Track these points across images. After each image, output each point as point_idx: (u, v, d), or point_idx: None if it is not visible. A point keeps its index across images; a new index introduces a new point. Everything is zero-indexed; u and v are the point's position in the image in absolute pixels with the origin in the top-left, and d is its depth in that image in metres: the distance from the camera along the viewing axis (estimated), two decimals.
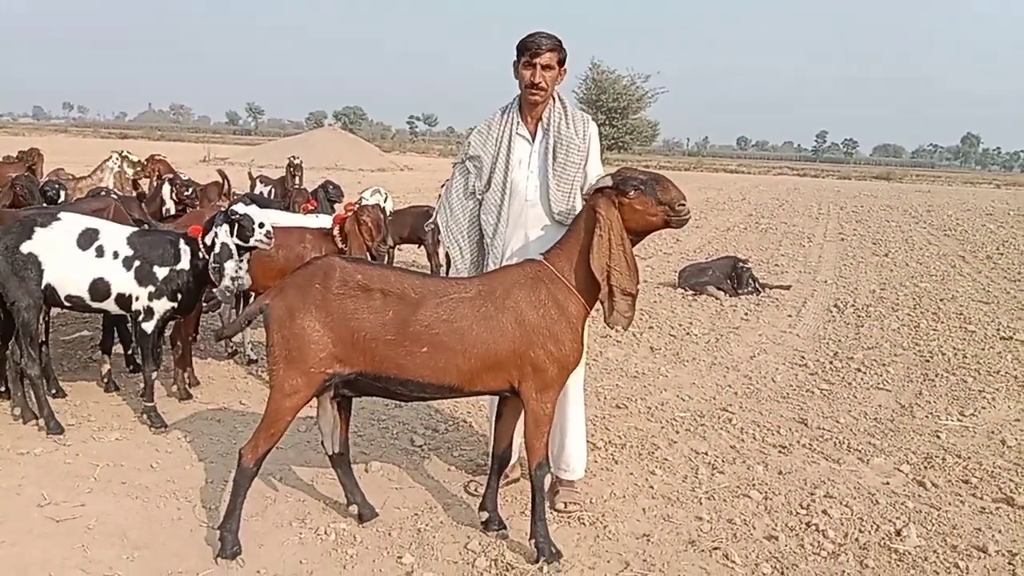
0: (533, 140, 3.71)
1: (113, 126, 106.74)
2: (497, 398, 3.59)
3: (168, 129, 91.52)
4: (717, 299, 9.17)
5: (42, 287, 4.31)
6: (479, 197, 3.74)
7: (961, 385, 6.18)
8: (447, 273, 7.45)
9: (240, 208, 4.45)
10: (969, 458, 4.69)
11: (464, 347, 3.12)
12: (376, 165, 32.84)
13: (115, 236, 4.48)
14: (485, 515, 3.56)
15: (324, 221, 5.74)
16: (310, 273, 3.17)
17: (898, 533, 3.73)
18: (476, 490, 3.91)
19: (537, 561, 3.27)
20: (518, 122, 3.70)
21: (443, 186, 9.43)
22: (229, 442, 4.41)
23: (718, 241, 14.33)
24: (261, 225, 4.45)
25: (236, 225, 4.41)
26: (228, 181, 8.57)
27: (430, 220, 8.03)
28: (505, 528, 3.55)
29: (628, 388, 5.81)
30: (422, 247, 9.21)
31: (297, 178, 11.52)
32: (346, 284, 3.10)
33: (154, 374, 4.61)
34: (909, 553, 3.56)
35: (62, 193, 6.95)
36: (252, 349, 5.98)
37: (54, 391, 4.86)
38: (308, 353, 3.06)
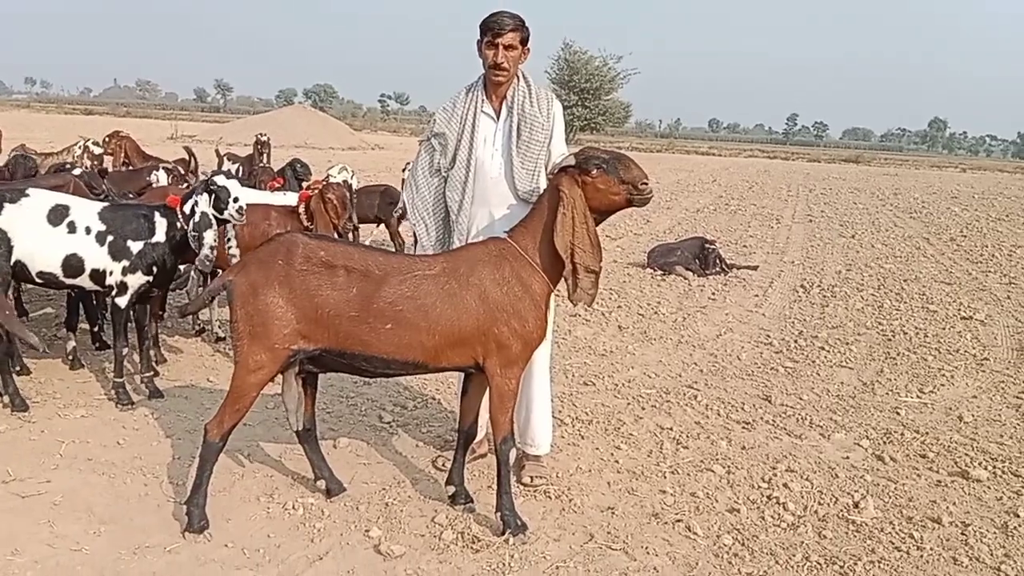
0: (498, 118, 3.72)
1: (78, 102, 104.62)
2: (463, 374, 3.62)
3: (134, 105, 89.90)
4: (685, 279, 9.26)
5: (11, 263, 4.26)
6: (444, 174, 3.75)
7: (921, 363, 6.32)
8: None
9: (220, 180, 4.47)
10: (927, 433, 4.81)
11: (428, 324, 3.14)
12: (346, 144, 32.56)
13: (86, 211, 4.44)
14: (452, 489, 3.60)
15: (291, 199, 5.71)
16: (273, 249, 3.16)
17: (856, 505, 3.83)
18: (443, 465, 3.95)
19: (503, 533, 3.32)
20: (483, 100, 3.71)
21: (406, 168, 9.44)
22: (196, 419, 4.40)
23: (688, 222, 14.44)
24: (236, 199, 4.45)
25: (214, 196, 4.43)
26: (195, 158, 8.48)
27: (398, 205, 8.01)
28: (472, 502, 3.60)
29: (596, 366, 5.87)
30: (382, 226, 9.19)
31: (264, 156, 11.42)
32: (309, 260, 3.10)
33: (124, 350, 4.58)
34: (866, 524, 3.66)
35: (20, 166, 6.82)
36: (220, 327, 5.94)
37: (18, 368, 4.80)
38: (272, 329, 3.07)
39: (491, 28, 3.56)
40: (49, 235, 4.32)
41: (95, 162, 9.37)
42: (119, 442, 4.09)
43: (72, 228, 4.36)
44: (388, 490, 3.74)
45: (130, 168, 9.15)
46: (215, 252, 4.40)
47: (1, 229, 4.25)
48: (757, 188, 24.28)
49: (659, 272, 9.50)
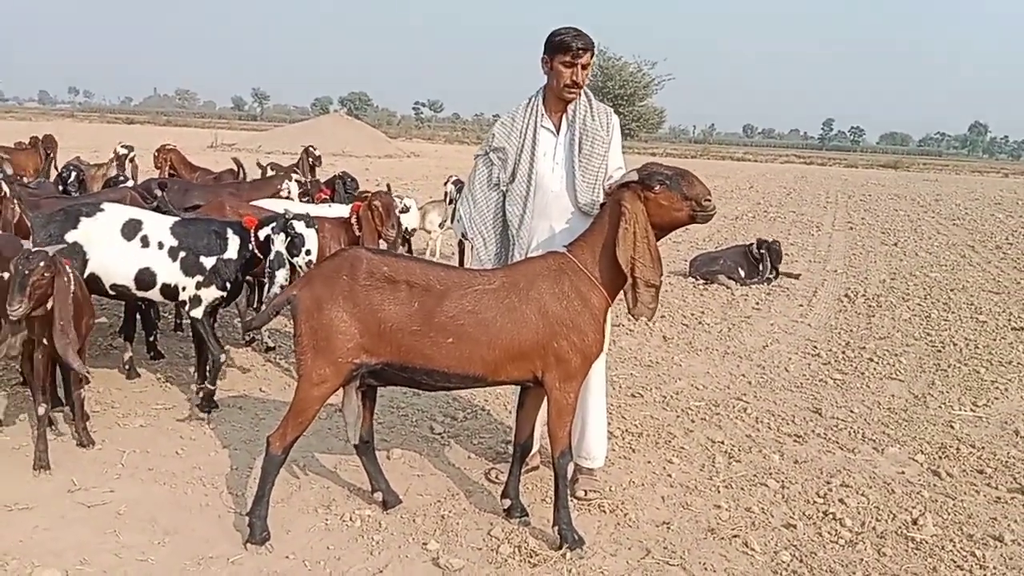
0: (557, 132, 3.74)
1: (119, 111, 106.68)
2: (519, 387, 3.63)
3: (174, 114, 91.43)
4: (728, 288, 9.20)
5: (84, 276, 4.38)
6: (503, 189, 3.77)
7: (973, 375, 6.21)
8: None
9: (299, 226, 4.54)
10: (983, 448, 4.73)
11: (489, 338, 3.16)
12: (383, 152, 32.81)
13: (160, 226, 4.56)
14: (508, 502, 3.62)
15: (339, 210, 5.78)
16: (337, 264, 3.21)
17: (915, 522, 3.78)
18: (497, 477, 3.97)
19: (560, 548, 3.33)
20: (543, 114, 3.73)
21: (448, 181, 9.50)
22: (252, 429, 4.47)
23: (727, 230, 14.34)
24: (308, 252, 4.54)
25: (290, 239, 4.52)
26: (243, 169, 8.60)
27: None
28: (527, 515, 3.61)
29: (643, 377, 5.85)
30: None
31: (314, 169, 11.40)
32: (372, 276, 3.14)
33: (222, 356, 4.66)
34: (926, 542, 3.61)
35: (73, 174, 6.99)
36: (269, 337, 6.03)
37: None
38: (336, 343, 3.11)
39: (569, 48, 3.55)
40: (123, 249, 4.45)
41: (131, 169, 9.51)
42: (178, 452, 4.16)
43: (145, 242, 4.48)
44: (443, 502, 3.77)
45: (253, 179, 9.25)
46: (250, 325, 4.55)
47: (76, 243, 4.39)
48: (795, 194, 24.03)
49: (701, 281, 9.44)
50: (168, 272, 4.51)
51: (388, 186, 7.98)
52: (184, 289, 4.54)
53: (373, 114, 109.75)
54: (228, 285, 4.59)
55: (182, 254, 4.51)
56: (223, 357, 4.67)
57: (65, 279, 3.64)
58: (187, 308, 4.59)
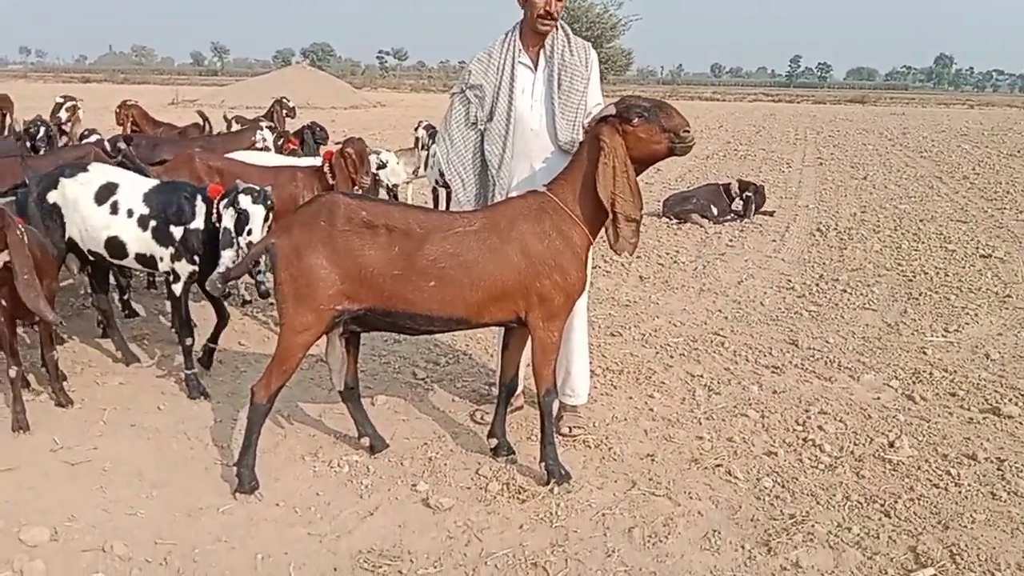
0: (535, 68, 3.67)
1: (74, 70, 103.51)
2: (502, 329, 3.64)
3: (132, 72, 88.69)
4: (701, 227, 9.24)
5: (64, 239, 4.30)
6: (481, 128, 3.71)
7: (944, 303, 6.33)
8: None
9: (244, 201, 4.02)
10: (955, 372, 4.84)
11: (471, 280, 3.15)
12: (348, 103, 32.26)
13: (133, 192, 4.30)
14: (494, 441, 3.65)
15: (309, 161, 5.68)
16: (314, 211, 3.16)
17: (891, 445, 3.87)
18: (482, 418, 4.00)
19: (548, 483, 3.38)
20: (520, 50, 3.65)
21: (418, 127, 9.32)
22: (232, 382, 4.46)
23: (698, 170, 14.33)
24: (249, 231, 4.02)
25: (237, 216, 4.04)
26: (209, 122, 8.40)
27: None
28: (514, 453, 3.65)
29: (621, 316, 5.89)
30: None
31: (284, 121, 11.16)
32: (351, 220, 3.11)
33: (188, 341, 4.31)
34: (903, 463, 3.71)
35: (41, 130, 6.78)
36: (245, 290, 5.97)
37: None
38: (317, 290, 3.08)
39: None
40: (95, 214, 4.25)
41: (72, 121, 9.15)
42: (160, 407, 4.14)
43: (115, 209, 4.25)
44: (430, 445, 3.80)
45: (229, 131, 9.01)
46: (228, 275, 3.63)
47: (54, 204, 4.27)
48: (764, 132, 24.03)
49: (674, 220, 9.47)
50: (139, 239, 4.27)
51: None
52: (162, 260, 4.28)
53: (336, 65, 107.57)
54: (196, 258, 4.23)
55: (152, 222, 4.23)
56: (189, 342, 4.31)
57: (18, 232, 3.54)
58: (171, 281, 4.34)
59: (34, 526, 3.02)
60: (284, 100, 11.50)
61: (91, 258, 4.46)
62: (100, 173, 4.36)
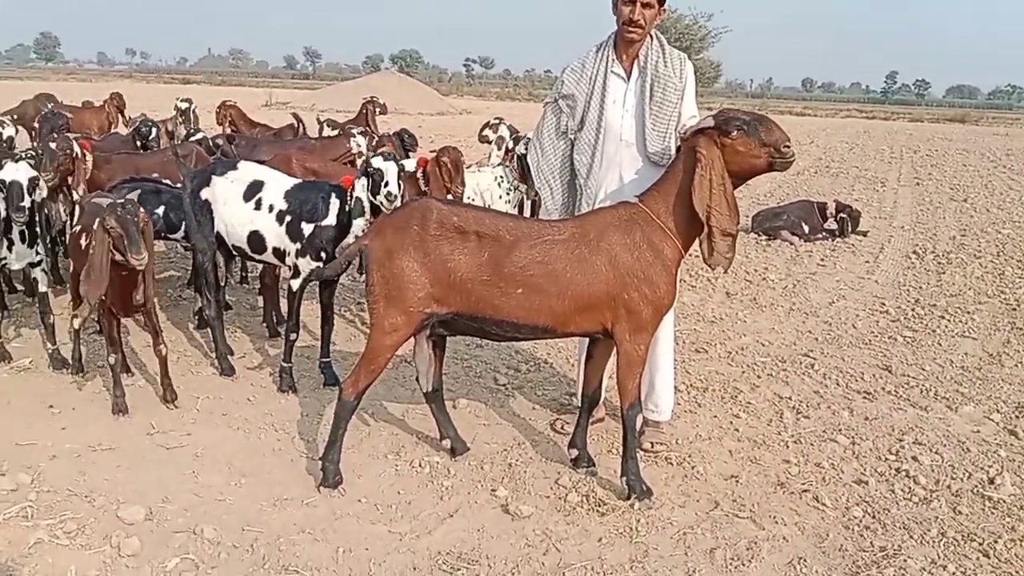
0: (628, 78, 3.64)
1: (175, 71, 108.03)
2: (587, 340, 3.61)
3: (228, 74, 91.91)
4: (791, 244, 9.01)
5: (213, 233, 4.46)
6: (571, 137, 3.70)
7: None
8: None
9: (376, 161, 4.21)
10: None
11: (558, 289, 3.14)
12: (435, 109, 32.69)
13: (277, 188, 4.41)
14: (575, 452, 3.63)
15: (406, 164, 5.77)
16: (407, 215, 3.21)
17: (991, 481, 3.69)
18: (562, 428, 3.98)
19: (628, 498, 3.34)
20: (613, 60, 3.63)
21: (485, 127, 9.17)
22: (319, 377, 4.54)
23: (788, 185, 13.98)
24: (386, 184, 4.14)
25: (371, 179, 4.17)
26: (303, 124, 8.64)
27: None
28: (594, 465, 3.62)
29: (706, 333, 5.78)
30: None
31: (372, 120, 11.37)
32: (443, 226, 3.14)
33: (293, 335, 4.38)
34: (1004, 501, 3.52)
35: (153, 130, 7.10)
36: None
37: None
38: (407, 293, 3.13)
39: None
40: (241, 210, 4.39)
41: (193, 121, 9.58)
42: (249, 399, 4.26)
43: (259, 205, 4.36)
44: (510, 451, 3.80)
45: (323, 137, 9.33)
46: (322, 274, 3.90)
47: (206, 200, 4.43)
48: (858, 150, 23.31)
49: (763, 237, 9.26)
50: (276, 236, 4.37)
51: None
52: (288, 255, 4.36)
53: (424, 71, 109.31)
54: (323, 254, 4.29)
55: (288, 218, 4.31)
56: (294, 337, 4.39)
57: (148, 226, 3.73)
58: (290, 276, 4.43)
59: (131, 505, 3.15)
60: (375, 99, 11.75)
61: (234, 253, 4.61)
62: (249, 171, 4.51)
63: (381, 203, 4.15)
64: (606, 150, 3.64)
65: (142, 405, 4.08)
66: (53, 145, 4.92)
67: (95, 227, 3.61)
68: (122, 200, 3.71)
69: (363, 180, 4.17)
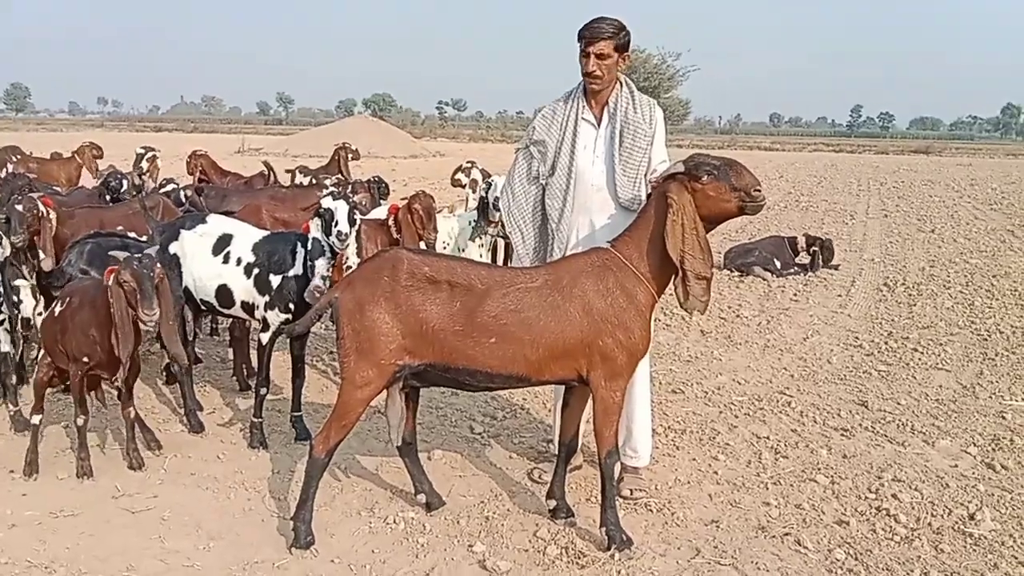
0: (599, 125, 3.66)
1: (147, 119, 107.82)
2: (563, 387, 3.57)
3: (201, 121, 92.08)
4: (764, 280, 9.06)
5: (181, 288, 4.38)
6: (543, 182, 3.71)
7: (1023, 364, 6.05)
8: None
9: (326, 202, 4.19)
10: None
11: (532, 337, 3.11)
12: (408, 152, 32.83)
13: (245, 241, 4.38)
14: (553, 503, 3.56)
15: (377, 212, 5.73)
16: (378, 266, 3.17)
17: (971, 517, 3.67)
18: (540, 477, 3.92)
19: (608, 548, 3.27)
20: (583, 107, 3.66)
21: (457, 170, 9.43)
22: (291, 432, 4.45)
23: (760, 221, 14.08)
24: (336, 223, 4.09)
25: (323, 219, 4.14)
26: (273, 171, 8.61)
27: None
28: (573, 516, 3.55)
29: (683, 372, 5.76)
30: None
31: (344, 166, 11.37)
32: (414, 276, 3.10)
33: (263, 390, 4.30)
34: (985, 537, 3.50)
35: (124, 183, 7.02)
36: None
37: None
38: (378, 345, 3.07)
39: (584, 36, 3.53)
40: (209, 264, 4.35)
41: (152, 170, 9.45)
42: (219, 456, 4.16)
43: (227, 259, 4.33)
44: (487, 503, 3.72)
45: (295, 185, 9.31)
46: (326, 283, 4.01)
47: (174, 254, 4.36)
48: (826, 183, 23.69)
49: (736, 273, 9.32)
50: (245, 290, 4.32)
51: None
52: (257, 308, 4.31)
53: (397, 114, 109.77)
54: (291, 306, 4.24)
55: (256, 271, 4.28)
56: (264, 391, 4.31)
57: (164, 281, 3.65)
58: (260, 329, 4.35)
59: (93, 575, 3.02)
60: (347, 144, 11.79)
61: (202, 308, 4.54)
62: (217, 225, 4.46)
63: (333, 243, 4.13)
64: (577, 195, 3.64)
65: (107, 467, 3.96)
66: (20, 207, 4.83)
67: (110, 283, 3.52)
68: (139, 255, 3.62)
69: (316, 220, 4.16)
